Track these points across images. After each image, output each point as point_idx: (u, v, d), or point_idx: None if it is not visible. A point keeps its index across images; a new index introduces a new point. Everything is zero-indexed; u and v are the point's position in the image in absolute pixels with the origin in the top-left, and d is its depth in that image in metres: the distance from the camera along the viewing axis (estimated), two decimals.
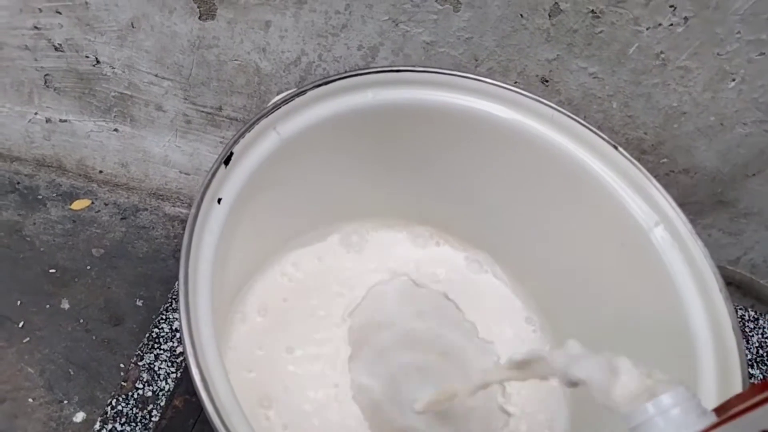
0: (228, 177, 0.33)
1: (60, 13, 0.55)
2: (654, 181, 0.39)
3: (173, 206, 0.71)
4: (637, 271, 0.39)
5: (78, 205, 0.70)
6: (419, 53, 0.50)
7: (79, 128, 0.67)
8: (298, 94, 0.36)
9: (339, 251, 0.49)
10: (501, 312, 0.50)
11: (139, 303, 0.63)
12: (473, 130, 0.42)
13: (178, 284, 0.28)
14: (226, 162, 0.32)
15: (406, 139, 0.43)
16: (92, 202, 0.70)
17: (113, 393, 0.49)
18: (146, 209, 0.71)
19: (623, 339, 0.41)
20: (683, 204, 0.58)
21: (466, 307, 0.50)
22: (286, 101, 0.35)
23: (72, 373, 0.58)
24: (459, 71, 0.42)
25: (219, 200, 0.32)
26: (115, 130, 0.66)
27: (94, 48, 0.57)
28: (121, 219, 0.70)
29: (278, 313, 0.46)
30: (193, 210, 0.30)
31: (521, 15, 0.47)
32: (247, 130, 0.34)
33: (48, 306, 0.62)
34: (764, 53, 0.46)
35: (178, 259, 0.70)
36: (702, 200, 0.60)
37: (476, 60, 0.50)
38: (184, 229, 0.63)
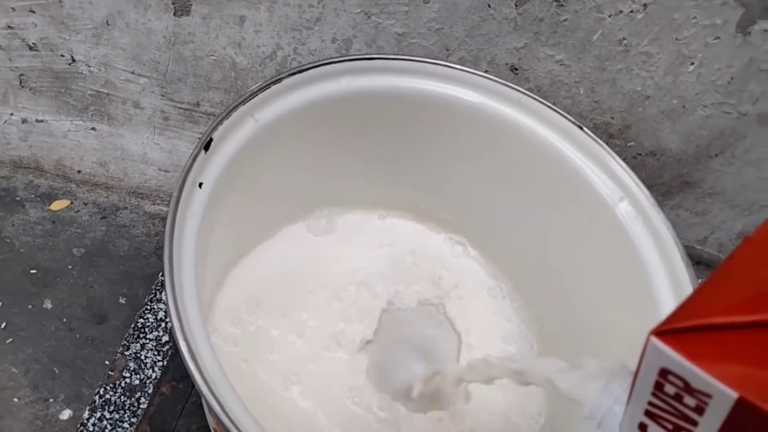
0: (208, 162, 0.34)
1: (33, 11, 0.56)
2: (617, 158, 0.41)
3: (153, 204, 0.72)
4: (604, 244, 0.41)
5: (57, 205, 0.70)
6: (392, 44, 0.52)
7: (56, 128, 0.67)
8: (274, 82, 0.37)
9: (316, 237, 0.50)
10: (479, 294, 0.51)
11: (122, 300, 0.64)
12: (444, 115, 0.43)
13: (162, 272, 0.29)
14: (206, 147, 0.33)
15: (380, 125, 0.45)
16: (71, 203, 0.70)
17: (101, 382, 0.50)
18: (126, 208, 0.71)
19: (594, 309, 0.42)
20: (651, 186, 0.60)
21: (445, 292, 0.51)
22: (262, 89, 0.36)
23: (57, 371, 0.59)
24: (430, 58, 0.43)
25: (200, 185, 0.33)
26: (93, 128, 0.66)
27: (69, 46, 0.58)
28: (101, 218, 0.70)
29: (261, 300, 0.47)
30: (175, 193, 0.31)
31: (489, 5, 0.48)
32: (226, 116, 0.35)
33: (30, 306, 0.62)
34: (719, 37, 0.48)
35: (160, 257, 0.71)
36: (669, 182, 0.62)
37: (447, 50, 0.52)
38: (165, 226, 0.63)
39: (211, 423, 0.38)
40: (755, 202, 0.61)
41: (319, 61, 0.39)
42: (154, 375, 0.49)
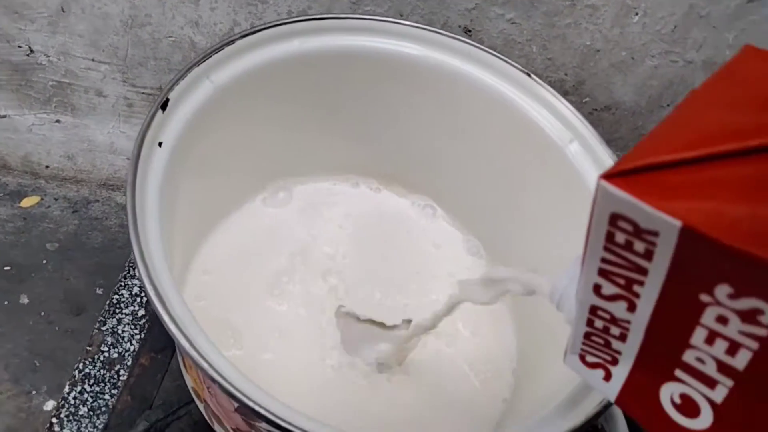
0: (166, 122, 0.35)
1: None
2: (563, 100, 0.42)
3: (124, 195, 0.72)
4: (559, 188, 0.43)
5: (27, 202, 0.70)
6: (347, 13, 0.53)
7: (19, 123, 0.67)
8: (227, 44, 0.38)
9: (278, 208, 0.51)
10: (446, 248, 0.53)
11: (99, 291, 0.64)
12: (398, 72, 0.44)
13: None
14: (163, 107, 0.34)
15: (336, 87, 0.45)
16: (41, 199, 0.70)
17: (80, 357, 0.50)
18: (97, 201, 0.71)
19: (552, 257, 0.44)
20: (609, 141, 0.61)
21: (415, 250, 0.53)
22: (216, 50, 0.37)
23: (38, 364, 0.59)
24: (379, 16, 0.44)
25: (160, 144, 0.34)
26: (57, 121, 0.66)
27: (26, 36, 0.58)
28: (73, 212, 0.70)
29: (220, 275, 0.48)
30: (134, 150, 0.32)
31: None
32: (181, 77, 0.36)
33: (7, 302, 0.62)
34: None
35: None
36: (626, 136, 0.64)
37: (401, 15, 0.53)
38: None
39: (189, 382, 0.38)
40: None
41: (271, 22, 0.40)
42: (132, 348, 0.49)
